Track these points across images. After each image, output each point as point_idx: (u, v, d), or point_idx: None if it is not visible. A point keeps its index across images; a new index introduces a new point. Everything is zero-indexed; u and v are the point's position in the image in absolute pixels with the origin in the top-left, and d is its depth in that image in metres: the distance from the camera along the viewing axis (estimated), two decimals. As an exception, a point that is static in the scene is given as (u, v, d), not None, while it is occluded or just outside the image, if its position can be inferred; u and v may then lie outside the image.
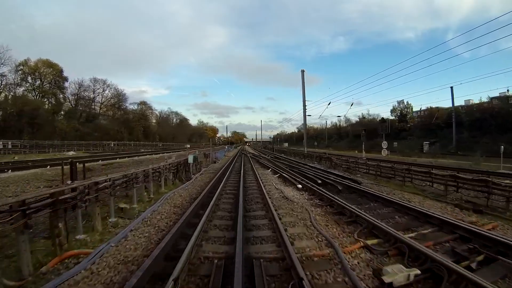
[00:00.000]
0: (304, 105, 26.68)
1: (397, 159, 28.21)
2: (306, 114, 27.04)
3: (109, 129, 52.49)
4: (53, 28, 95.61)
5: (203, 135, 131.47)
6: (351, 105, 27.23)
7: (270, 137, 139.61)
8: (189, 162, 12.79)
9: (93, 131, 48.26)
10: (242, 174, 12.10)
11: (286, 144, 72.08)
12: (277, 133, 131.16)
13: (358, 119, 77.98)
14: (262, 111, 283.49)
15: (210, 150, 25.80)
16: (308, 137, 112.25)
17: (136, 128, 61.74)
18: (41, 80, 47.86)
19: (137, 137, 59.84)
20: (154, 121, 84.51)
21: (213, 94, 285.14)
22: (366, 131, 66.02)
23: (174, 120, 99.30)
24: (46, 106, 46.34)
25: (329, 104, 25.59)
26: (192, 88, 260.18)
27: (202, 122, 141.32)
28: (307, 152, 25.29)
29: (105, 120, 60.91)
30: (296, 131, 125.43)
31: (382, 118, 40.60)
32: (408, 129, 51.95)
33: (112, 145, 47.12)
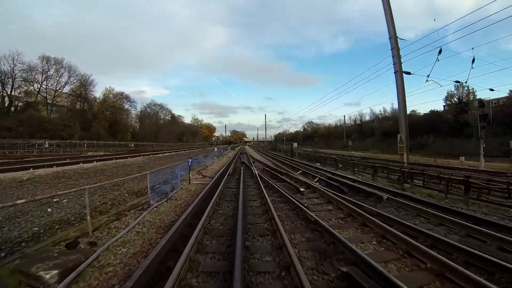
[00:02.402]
0: (397, 43, 11.16)
1: None
2: (402, 70, 11.05)
3: (49, 123, 37.01)
4: (53, 29, 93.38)
5: (197, 134, 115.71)
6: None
7: (271, 137, 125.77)
8: None
9: (19, 125, 32.92)
10: None
11: (295, 145, 56.96)
12: (279, 133, 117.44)
13: (379, 114, 63.47)
14: (261, 111, 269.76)
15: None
16: (318, 136, 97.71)
17: (97, 122, 46.03)
18: None
19: (98, 135, 44.19)
20: (133, 115, 69.50)
21: (212, 94, 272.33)
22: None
23: (161, 115, 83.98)
24: None
25: (440, 52, 10.47)
26: (192, 88, 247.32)
27: (197, 119, 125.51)
28: (409, 165, 9.48)
29: (57, 111, 45.65)
30: (301, 130, 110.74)
31: (480, 99, 25.08)
32: (474, 124, 36.74)
33: (47, 145, 31.81)
